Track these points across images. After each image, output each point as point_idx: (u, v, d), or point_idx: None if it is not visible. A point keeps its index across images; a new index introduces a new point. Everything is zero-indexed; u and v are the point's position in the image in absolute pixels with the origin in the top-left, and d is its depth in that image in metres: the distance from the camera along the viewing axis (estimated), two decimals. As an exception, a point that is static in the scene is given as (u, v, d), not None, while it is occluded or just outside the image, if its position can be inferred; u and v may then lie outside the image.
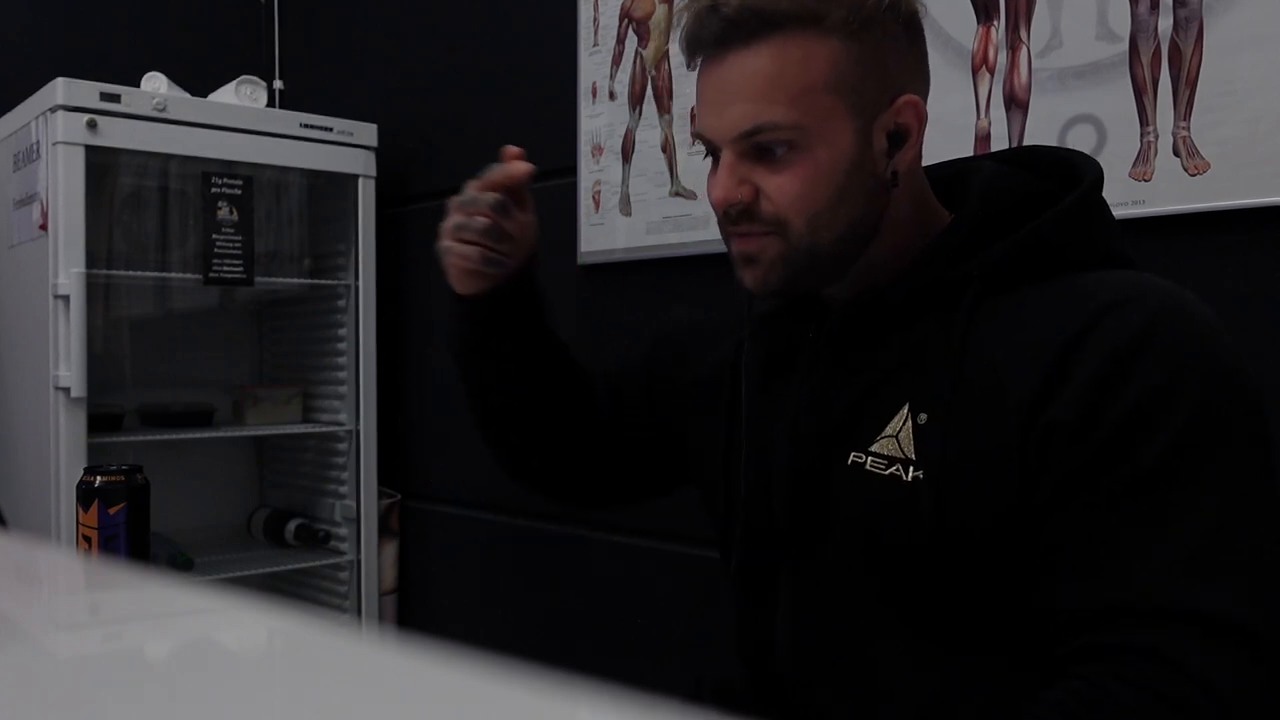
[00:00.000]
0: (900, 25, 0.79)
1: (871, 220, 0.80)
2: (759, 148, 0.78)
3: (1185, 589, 0.65)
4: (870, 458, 0.78)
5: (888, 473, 0.77)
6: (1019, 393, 0.72)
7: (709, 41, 0.78)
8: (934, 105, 1.36)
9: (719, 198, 0.79)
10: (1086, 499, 0.69)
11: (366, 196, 2.15)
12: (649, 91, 1.72)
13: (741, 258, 0.81)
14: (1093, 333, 0.70)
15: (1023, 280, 0.76)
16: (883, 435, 0.78)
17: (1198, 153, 1.15)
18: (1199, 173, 1.15)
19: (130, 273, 1.98)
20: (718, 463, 0.91)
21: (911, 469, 0.75)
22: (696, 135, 0.82)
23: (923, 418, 0.76)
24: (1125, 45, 1.20)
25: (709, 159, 0.83)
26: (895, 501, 0.76)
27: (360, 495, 2.16)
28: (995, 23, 1.31)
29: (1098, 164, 0.82)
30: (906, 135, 0.80)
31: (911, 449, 0.76)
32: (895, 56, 0.79)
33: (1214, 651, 0.63)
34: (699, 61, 0.81)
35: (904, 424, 0.77)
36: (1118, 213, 1.22)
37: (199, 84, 2.09)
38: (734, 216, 0.79)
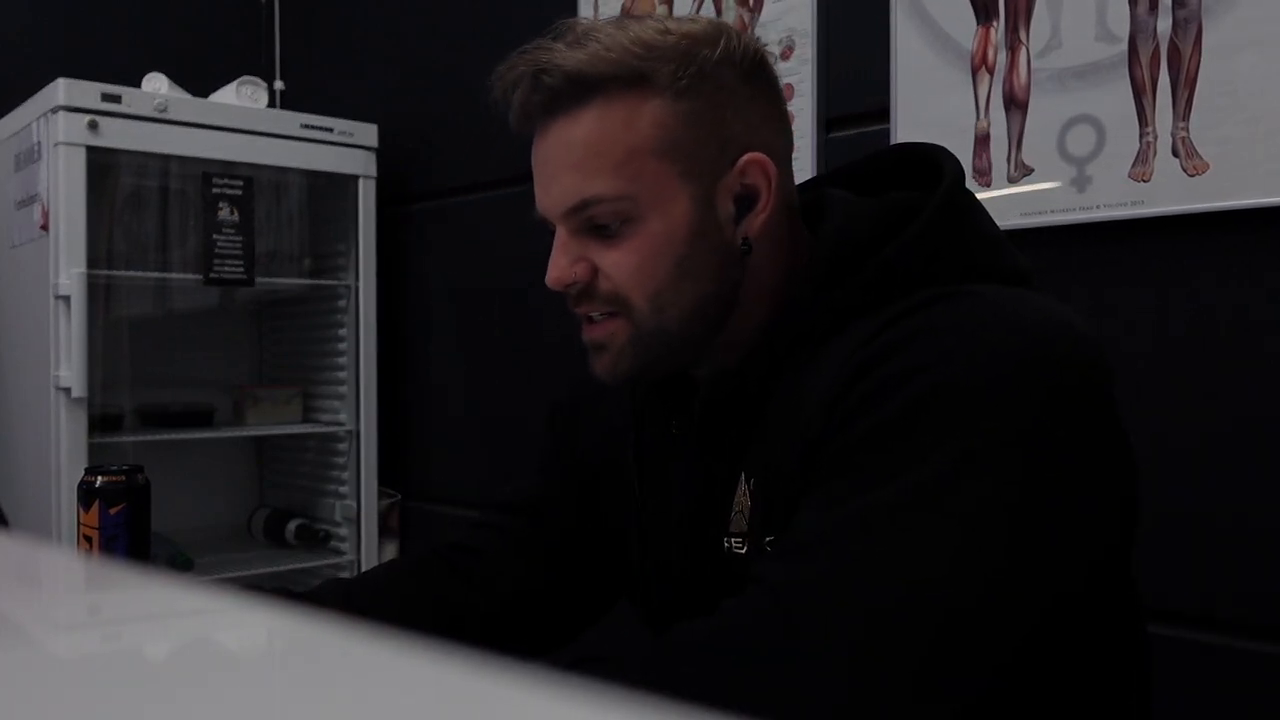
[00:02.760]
0: (738, 77, 0.72)
1: (725, 293, 0.73)
2: (591, 223, 0.72)
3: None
4: (731, 539, 0.73)
5: (745, 551, 0.72)
6: (805, 432, 0.67)
7: (536, 113, 0.72)
8: (934, 106, 1.37)
9: (553, 279, 0.73)
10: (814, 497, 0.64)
11: (366, 196, 2.16)
12: (649, 92, 1.72)
13: (591, 345, 0.76)
14: (875, 341, 0.65)
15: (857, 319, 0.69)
16: (735, 512, 0.73)
17: (1197, 153, 1.15)
18: (1198, 173, 1.15)
19: (131, 273, 1.98)
20: (632, 560, 0.86)
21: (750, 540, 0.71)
22: (535, 214, 0.76)
23: (752, 483, 0.71)
24: (1124, 46, 1.20)
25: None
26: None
27: (360, 495, 2.16)
28: (995, 23, 1.31)
29: (956, 168, 0.74)
30: (755, 197, 0.73)
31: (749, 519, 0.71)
32: (734, 112, 0.72)
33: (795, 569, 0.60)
34: (532, 137, 0.74)
35: (744, 496, 0.72)
36: (1118, 213, 1.23)
37: (199, 84, 2.09)
38: (575, 297, 0.74)
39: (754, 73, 0.73)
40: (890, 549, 0.59)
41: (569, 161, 0.71)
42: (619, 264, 0.72)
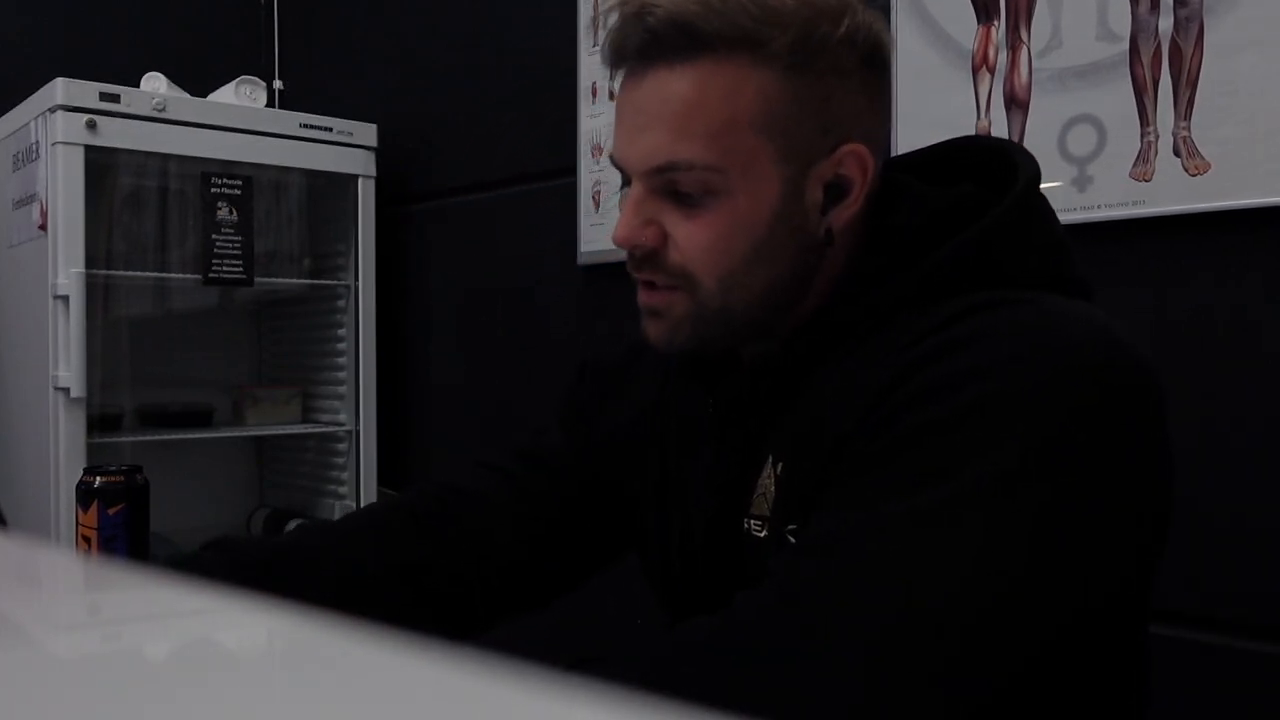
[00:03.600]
0: (856, 60, 0.67)
1: (798, 282, 0.70)
2: (672, 186, 0.68)
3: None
4: (751, 521, 0.71)
5: (764, 535, 0.70)
6: (841, 425, 0.64)
7: (631, 53, 0.68)
8: (935, 105, 1.37)
9: (621, 237, 0.69)
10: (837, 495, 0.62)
11: (366, 196, 2.15)
12: (649, 91, 1.72)
13: (646, 310, 0.72)
14: (928, 340, 0.62)
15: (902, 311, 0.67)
16: (757, 494, 0.70)
17: (1198, 153, 1.15)
18: (1199, 173, 1.15)
19: (130, 273, 1.98)
20: (650, 536, 0.84)
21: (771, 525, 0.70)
22: (610, 159, 0.73)
23: (779, 467, 0.69)
24: (1125, 45, 1.20)
25: (625, 189, 0.72)
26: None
27: (360, 495, 2.16)
28: (995, 23, 1.31)
29: (1032, 169, 0.71)
30: (847, 189, 0.69)
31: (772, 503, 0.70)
32: (843, 96, 0.68)
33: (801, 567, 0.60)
34: (621, 75, 0.70)
35: (769, 479, 0.70)
36: (1119, 213, 1.23)
37: (199, 84, 2.08)
38: (637, 261, 0.70)
39: (871, 57, 0.69)
40: (910, 554, 0.58)
41: (662, 116, 0.67)
42: (693, 237, 0.68)
